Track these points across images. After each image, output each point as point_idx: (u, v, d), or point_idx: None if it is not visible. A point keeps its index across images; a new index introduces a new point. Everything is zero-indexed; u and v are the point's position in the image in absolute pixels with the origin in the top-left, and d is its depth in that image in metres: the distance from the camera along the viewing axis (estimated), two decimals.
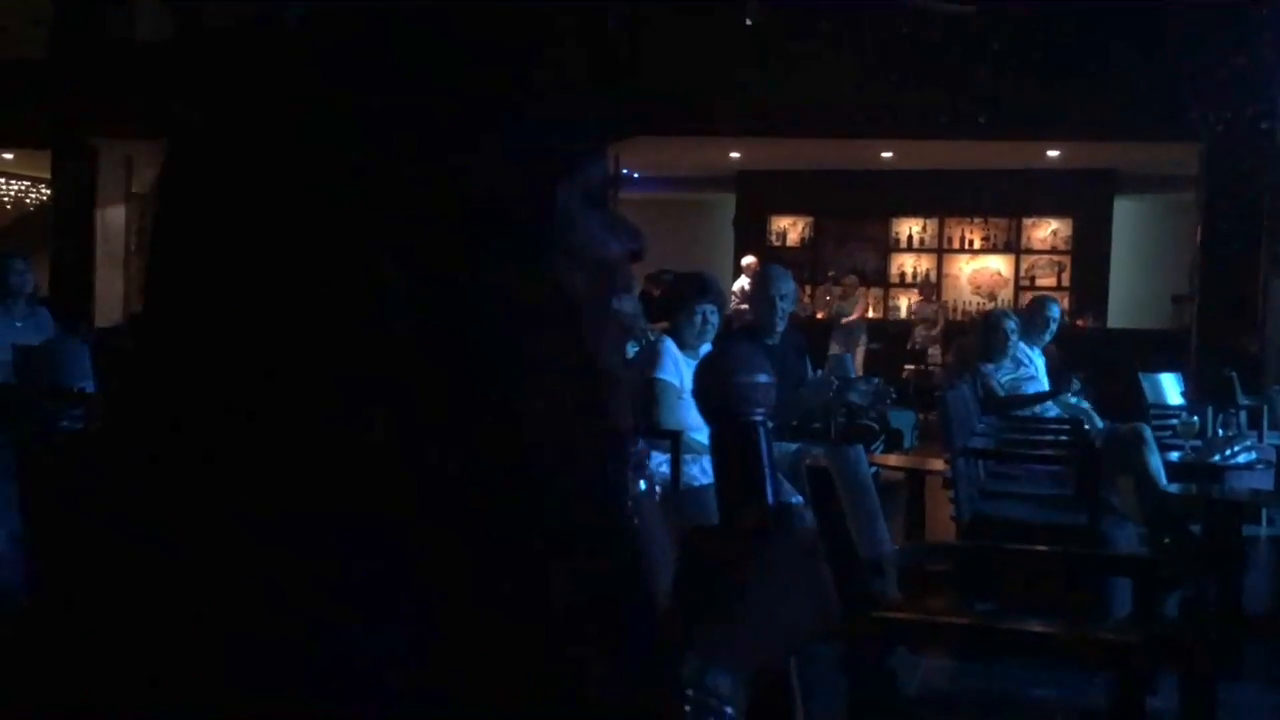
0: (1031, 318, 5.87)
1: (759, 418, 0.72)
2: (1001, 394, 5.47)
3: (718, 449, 0.72)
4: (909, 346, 11.65)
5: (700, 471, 3.75)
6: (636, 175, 13.38)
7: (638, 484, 0.74)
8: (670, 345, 3.96)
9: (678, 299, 4.07)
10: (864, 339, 11.21)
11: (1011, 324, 5.57)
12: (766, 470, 0.71)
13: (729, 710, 0.62)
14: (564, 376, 0.62)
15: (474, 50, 0.62)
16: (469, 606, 0.56)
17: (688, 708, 0.61)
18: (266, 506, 0.55)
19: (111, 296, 12.42)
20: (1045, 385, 5.62)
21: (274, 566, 0.54)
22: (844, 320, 11.22)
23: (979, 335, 5.71)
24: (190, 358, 0.59)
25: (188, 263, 0.61)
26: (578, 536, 0.62)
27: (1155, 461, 5.01)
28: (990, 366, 5.49)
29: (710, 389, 0.73)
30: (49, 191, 12.68)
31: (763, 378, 0.72)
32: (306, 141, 0.59)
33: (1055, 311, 5.84)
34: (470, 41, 0.62)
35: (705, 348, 4.18)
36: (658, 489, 0.78)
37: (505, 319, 0.59)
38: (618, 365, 0.67)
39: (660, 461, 3.69)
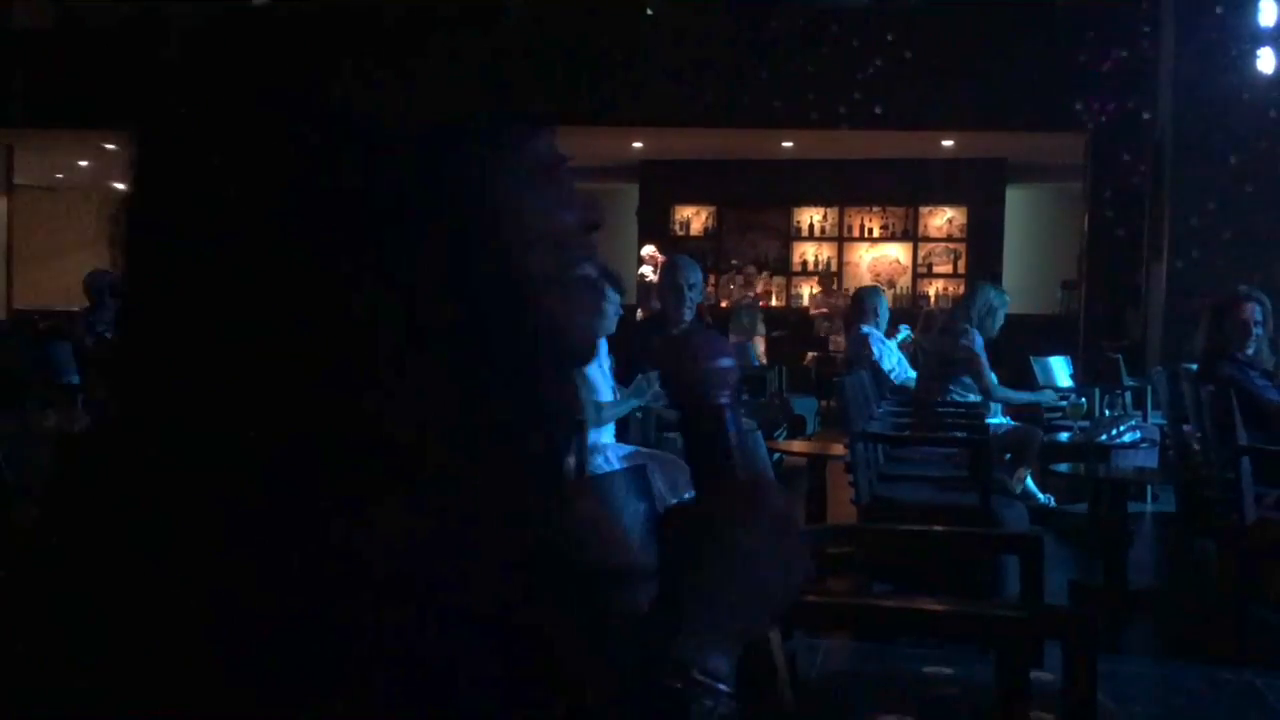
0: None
1: (726, 400, 0.75)
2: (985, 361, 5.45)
3: (688, 432, 0.75)
4: (815, 334, 11.81)
5: (604, 461, 3.76)
6: None
7: (569, 464, 0.76)
8: None
9: None
10: (761, 326, 11.33)
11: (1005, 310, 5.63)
12: (735, 449, 0.74)
13: (723, 688, 0.63)
14: (524, 354, 0.62)
15: (407, 37, 0.61)
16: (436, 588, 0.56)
17: (690, 691, 0.62)
18: (262, 496, 0.55)
19: None
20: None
21: (272, 557, 0.54)
22: (743, 302, 11.30)
23: (970, 306, 5.60)
24: (176, 352, 0.59)
25: (166, 257, 0.60)
26: (535, 513, 0.63)
27: None
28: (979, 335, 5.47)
29: (679, 374, 0.75)
30: None
31: (727, 362, 0.76)
32: (258, 133, 0.58)
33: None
34: (403, 27, 0.62)
35: (599, 341, 4.19)
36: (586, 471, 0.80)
37: (456, 303, 0.59)
38: (589, 331, 0.67)
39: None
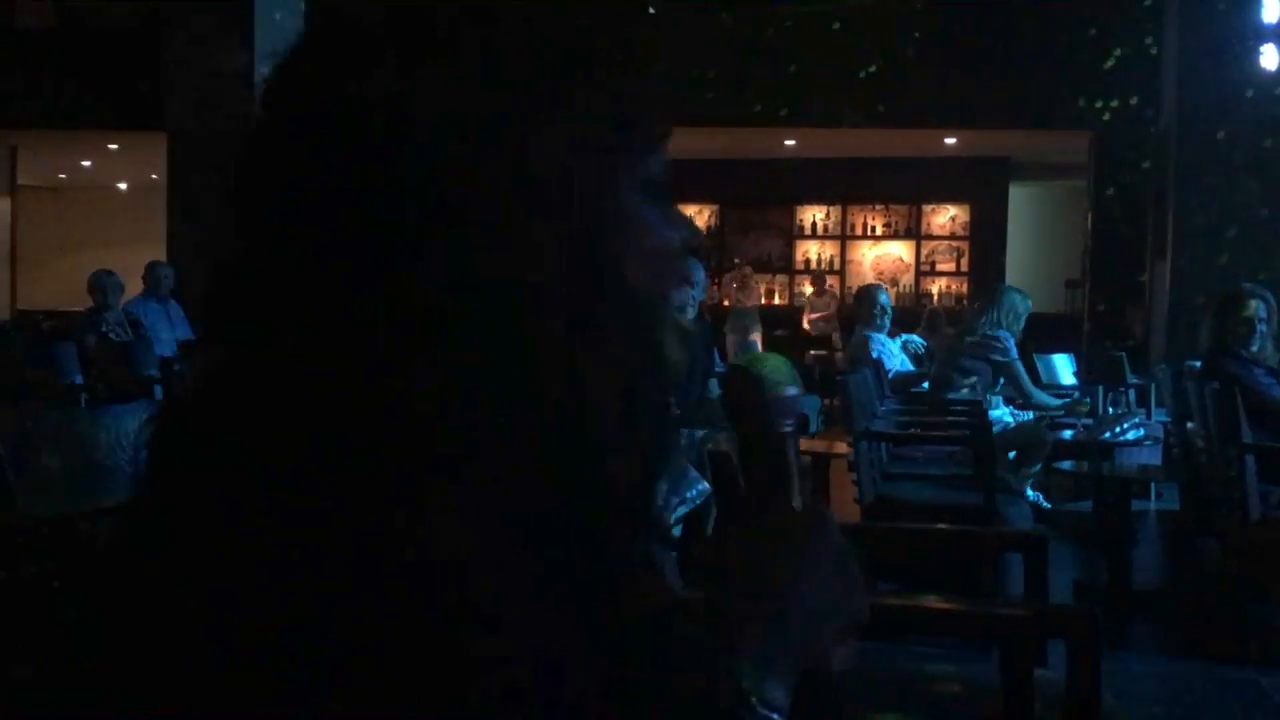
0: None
1: (789, 428, 0.73)
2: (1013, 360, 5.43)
3: (748, 459, 0.74)
4: (812, 333, 11.80)
5: None
6: None
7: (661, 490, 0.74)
8: None
9: None
10: (758, 327, 11.30)
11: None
12: (795, 478, 0.73)
13: (777, 718, 0.63)
14: (626, 365, 0.61)
15: (536, 42, 0.61)
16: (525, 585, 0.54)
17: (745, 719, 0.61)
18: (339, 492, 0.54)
19: None
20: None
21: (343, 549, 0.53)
22: (743, 306, 11.29)
23: (997, 310, 5.55)
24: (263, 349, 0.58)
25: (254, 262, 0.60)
26: (635, 510, 0.63)
27: None
28: (1010, 336, 5.46)
29: (741, 400, 0.74)
30: None
31: (792, 390, 0.74)
32: (369, 128, 0.57)
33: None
34: (530, 33, 0.62)
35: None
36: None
37: (566, 308, 0.58)
38: (674, 353, 0.66)
39: None
